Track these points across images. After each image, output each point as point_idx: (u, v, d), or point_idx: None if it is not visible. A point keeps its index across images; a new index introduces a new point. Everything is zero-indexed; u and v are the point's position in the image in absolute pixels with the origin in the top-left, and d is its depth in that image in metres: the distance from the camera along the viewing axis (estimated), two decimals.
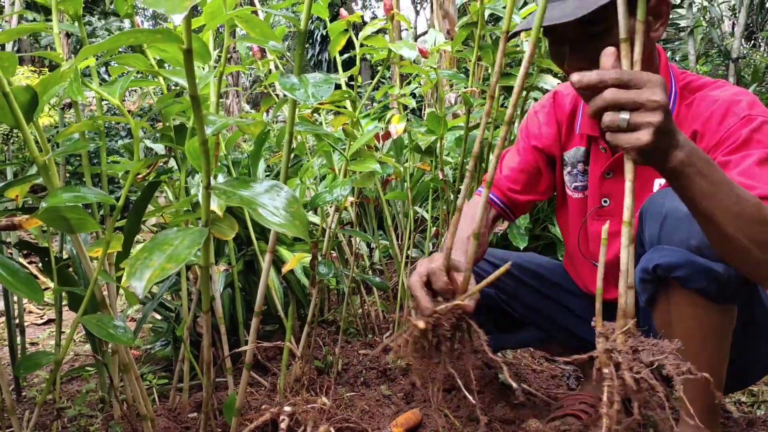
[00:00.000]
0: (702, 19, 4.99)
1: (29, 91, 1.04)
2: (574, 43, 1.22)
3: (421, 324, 1.02)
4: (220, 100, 1.48)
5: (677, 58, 5.02)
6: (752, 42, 7.19)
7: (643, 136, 0.85)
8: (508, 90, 1.86)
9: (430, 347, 1.04)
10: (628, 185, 0.87)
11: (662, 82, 0.86)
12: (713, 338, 1.18)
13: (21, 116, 1.01)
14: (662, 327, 1.23)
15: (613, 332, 0.88)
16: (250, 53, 2.26)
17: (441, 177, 1.82)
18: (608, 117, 0.87)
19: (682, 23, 5.04)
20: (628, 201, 0.86)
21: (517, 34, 1.25)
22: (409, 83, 1.97)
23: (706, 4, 6.04)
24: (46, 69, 6.91)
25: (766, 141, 1.13)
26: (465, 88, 1.69)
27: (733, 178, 1.07)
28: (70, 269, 1.51)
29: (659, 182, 1.31)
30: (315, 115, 1.99)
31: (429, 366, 1.04)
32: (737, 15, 5.02)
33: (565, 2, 1.16)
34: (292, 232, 0.92)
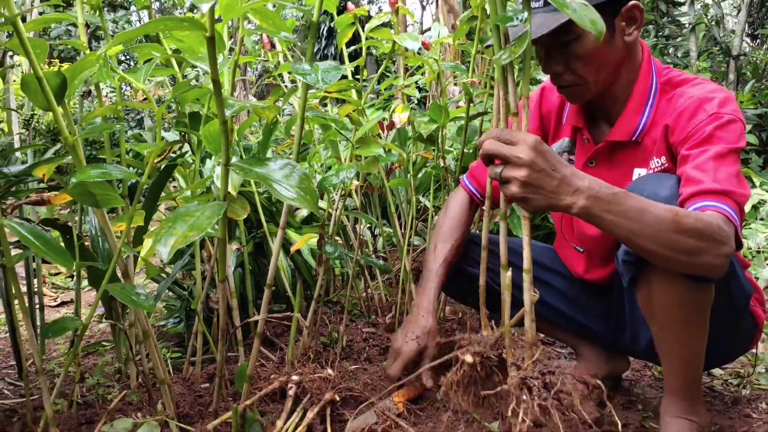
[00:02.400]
0: (704, 16, 5.05)
1: (59, 76, 1.12)
2: (548, 49, 1.34)
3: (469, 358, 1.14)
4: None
5: (679, 55, 5.08)
6: (758, 40, 7.23)
7: (512, 188, 1.02)
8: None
9: None
10: (525, 240, 1.05)
11: (534, 143, 1.00)
12: (692, 315, 1.25)
13: (53, 99, 1.09)
14: (644, 306, 1.31)
15: (523, 361, 1.06)
16: (256, 47, 2.34)
17: (442, 165, 1.90)
18: (490, 169, 1.06)
19: (684, 20, 5.10)
20: (526, 252, 1.05)
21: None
22: (412, 75, 2.05)
23: (708, 1, 6.10)
24: (56, 60, 7.00)
25: (727, 138, 1.22)
26: (465, 79, 1.77)
27: (687, 171, 1.19)
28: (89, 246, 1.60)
29: (638, 171, 1.40)
30: (322, 108, 2.07)
31: None
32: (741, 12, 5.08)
33: (536, 15, 1.26)
34: (304, 206, 1.00)
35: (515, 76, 1.07)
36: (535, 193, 1.02)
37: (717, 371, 1.94)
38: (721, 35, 5.46)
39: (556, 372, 1.04)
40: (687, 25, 4.83)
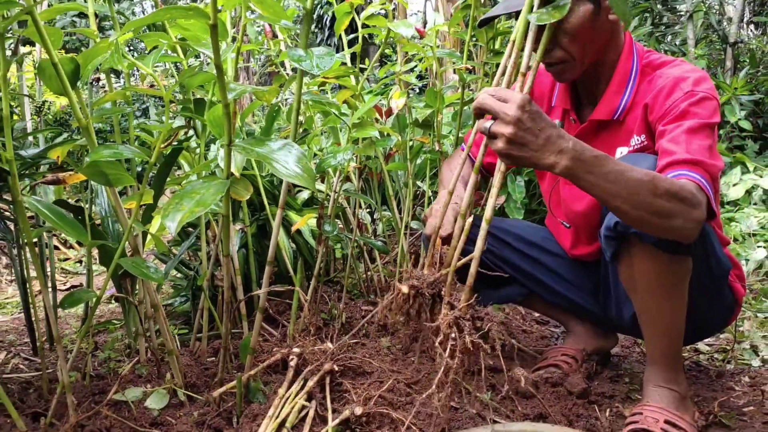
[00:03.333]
0: (702, 3, 5.08)
1: (73, 62, 1.20)
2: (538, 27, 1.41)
3: (405, 289, 1.21)
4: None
5: (677, 42, 5.12)
6: (761, 29, 7.24)
7: (498, 143, 1.10)
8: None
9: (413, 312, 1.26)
10: (493, 191, 1.17)
11: (523, 102, 1.08)
12: (671, 287, 1.33)
13: (67, 83, 1.16)
14: (626, 280, 1.38)
15: (458, 302, 1.18)
16: (259, 37, 2.41)
17: (438, 149, 1.96)
18: (479, 123, 1.13)
19: (682, 8, 5.14)
20: (489, 203, 1.17)
21: (492, 19, 1.45)
22: (409, 61, 2.12)
23: None
24: (62, 50, 7.06)
25: (701, 114, 1.29)
26: (460, 65, 1.84)
27: (663, 144, 1.27)
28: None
29: (621, 150, 1.46)
30: (323, 95, 2.14)
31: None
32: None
33: None
34: (302, 183, 1.08)
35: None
36: (519, 151, 1.09)
37: (703, 347, 2.02)
38: (722, 23, 5.50)
39: (485, 318, 1.15)
40: (684, 13, 4.88)
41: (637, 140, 1.44)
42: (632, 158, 1.34)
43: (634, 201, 1.13)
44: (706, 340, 2.00)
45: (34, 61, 2.01)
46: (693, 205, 1.15)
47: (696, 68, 1.39)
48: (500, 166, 1.19)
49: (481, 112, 1.13)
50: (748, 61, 5.13)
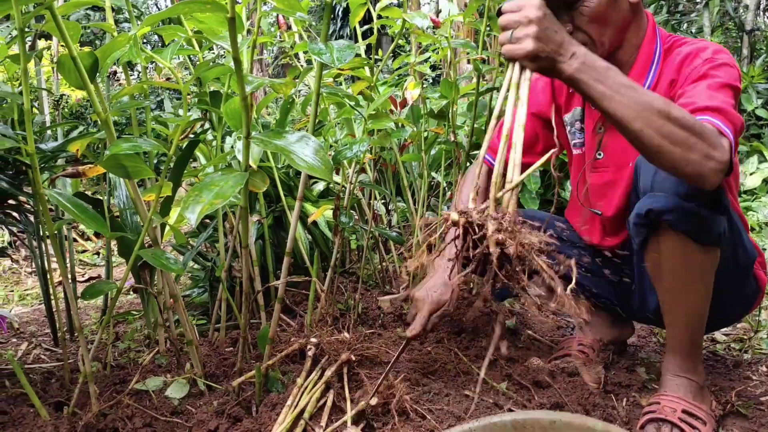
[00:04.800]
0: None
1: (92, 56, 1.21)
2: (556, 8, 1.40)
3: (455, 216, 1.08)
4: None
5: (693, 30, 5.07)
6: None
7: (526, 45, 1.10)
8: None
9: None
10: (510, 97, 1.12)
11: (539, 3, 1.11)
12: (697, 277, 1.32)
13: (87, 77, 1.17)
14: (652, 268, 1.37)
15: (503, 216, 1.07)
16: (272, 28, 2.41)
17: (452, 139, 1.96)
18: (501, 36, 1.14)
19: None
20: (508, 114, 1.11)
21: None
22: (424, 52, 2.12)
23: None
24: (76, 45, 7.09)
25: (719, 76, 1.27)
26: (475, 55, 1.83)
27: (681, 102, 1.24)
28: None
29: None
30: (337, 86, 2.15)
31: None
32: None
33: None
34: (319, 175, 1.08)
35: None
36: (544, 49, 1.10)
37: (720, 336, 2.01)
38: (739, 11, 5.42)
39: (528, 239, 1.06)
40: (700, 0, 4.82)
41: None
42: None
43: (645, 119, 1.09)
44: (723, 329, 1.99)
45: (51, 54, 2.03)
46: (711, 142, 1.10)
47: (714, 43, 1.40)
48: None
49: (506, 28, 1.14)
50: (765, 48, 5.07)
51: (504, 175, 1.11)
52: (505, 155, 1.10)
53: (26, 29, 1.14)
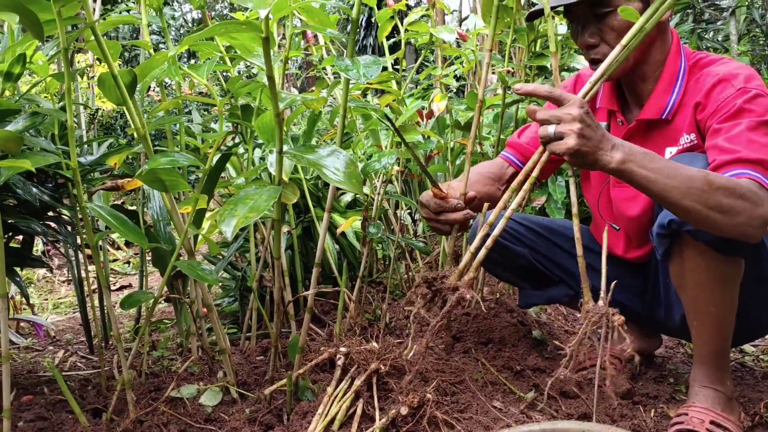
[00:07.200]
0: None
1: (131, 74, 1.25)
2: (584, 22, 1.42)
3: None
4: None
5: (719, 38, 5.03)
6: None
7: (569, 141, 1.13)
8: (542, 69, 2.03)
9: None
10: (572, 186, 1.23)
11: (579, 101, 1.15)
12: (721, 288, 1.32)
13: (126, 94, 1.22)
14: (676, 278, 1.38)
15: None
16: (296, 39, 2.45)
17: (479, 150, 1.99)
18: (541, 131, 1.18)
19: (724, 3, 5.04)
20: (573, 198, 1.25)
21: (538, 14, 1.46)
22: (450, 64, 2.14)
23: None
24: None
25: (756, 111, 1.28)
26: (501, 68, 1.85)
27: (720, 143, 1.26)
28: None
29: (670, 150, 1.46)
30: (363, 99, 2.18)
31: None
32: None
33: None
34: (350, 188, 1.11)
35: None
36: (586, 145, 1.13)
37: (749, 348, 2.00)
38: (765, 18, 5.37)
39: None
40: (726, 8, 4.78)
41: (687, 139, 1.43)
42: (685, 158, 1.34)
43: (690, 195, 1.14)
44: None
45: (87, 69, 2.09)
46: (756, 203, 1.15)
47: (744, 65, 1.39)
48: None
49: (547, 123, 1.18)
50: None
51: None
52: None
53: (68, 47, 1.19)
